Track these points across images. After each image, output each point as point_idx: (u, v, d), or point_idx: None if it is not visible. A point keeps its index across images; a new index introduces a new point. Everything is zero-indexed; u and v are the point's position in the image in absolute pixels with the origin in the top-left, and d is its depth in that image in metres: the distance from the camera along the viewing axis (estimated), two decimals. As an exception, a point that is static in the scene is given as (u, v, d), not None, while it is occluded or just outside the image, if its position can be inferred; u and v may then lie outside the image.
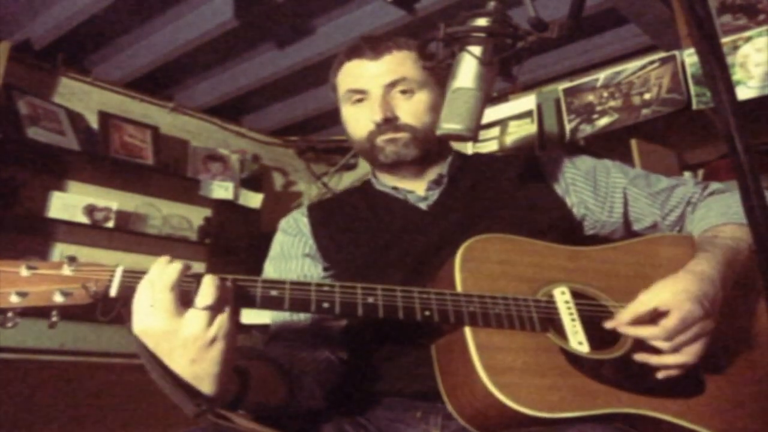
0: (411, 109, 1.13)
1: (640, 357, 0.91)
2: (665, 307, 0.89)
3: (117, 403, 2.45)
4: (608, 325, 0.93)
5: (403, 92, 1.14)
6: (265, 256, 1.21)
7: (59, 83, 3.14)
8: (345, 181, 3.87)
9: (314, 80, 3.28)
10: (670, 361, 0.89)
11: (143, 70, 3.18)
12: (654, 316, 0.90)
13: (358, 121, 1.16)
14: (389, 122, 1.12)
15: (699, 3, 0.66)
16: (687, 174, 2.19)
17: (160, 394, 0.75)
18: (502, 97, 2.51)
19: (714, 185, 1.18)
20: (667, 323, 0.88)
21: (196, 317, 0.75)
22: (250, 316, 2.43)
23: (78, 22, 2.75)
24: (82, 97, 3.20)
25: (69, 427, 2.32)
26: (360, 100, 1.16)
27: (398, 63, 1.14)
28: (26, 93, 2.89)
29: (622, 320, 0.92)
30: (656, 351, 0.90)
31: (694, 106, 1.77)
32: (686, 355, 0.89)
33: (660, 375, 0.90)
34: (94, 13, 2.67)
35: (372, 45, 1.14)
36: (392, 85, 1.13)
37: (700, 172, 2.16)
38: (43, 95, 3.02)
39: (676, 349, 0.89)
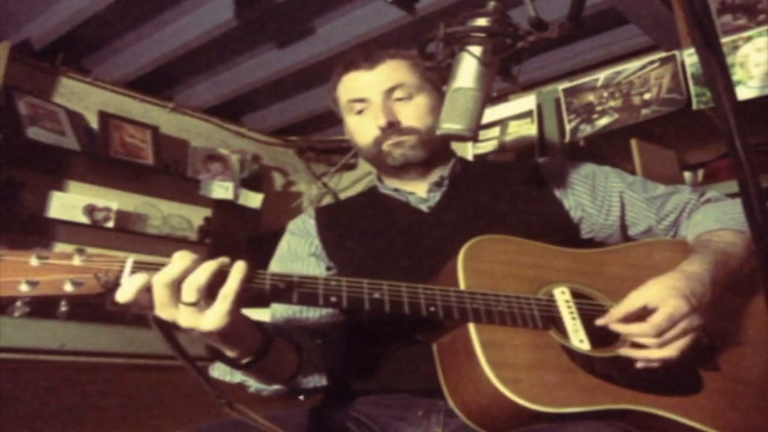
0: (412, 113, 1.17)
1: (624, 352, 0.91)
2: (653, 304, 0.90)
3: (117, 403, 2.44)
4: (599, 321, 0.95)
5: (402, 97, 1.17)
6: (265, 255, 1.23)
7: (59, 83, 3.13)
8: (345, 181, 3.86)
9: (314, 80, 3.27)
10: (655, 355, 0.90)
11: (143, 70, 3.17)
12: (643, 313, 0.91)
13: (364, 129, 1.20)
14: (393, 126, 1.16)
15: (699, 3, 0.66)
16: (687, 174, 2.19)
17: (160, 394, 0.76)
18: (502, 97, 2.51)
19: (710, 193, 1.20)
20: (655, 320, 0.89)
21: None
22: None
23: (78, 22, 2.74)
24: (82, 97, 3.20)
25: (69, 427, 2.31)
26: (361, 110, 1.20)
27: (393, 70, 1.18)
28: (26, 93, 2.88)
29: (613, 317, 0.93)
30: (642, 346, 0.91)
31: (694, 106, 1.77)
32: (671, 350, 0.89)
33: (639, 365, 0.90)
34: (94, 13, 2.67)
35: (366, 56, 1.19)
36: (390, 91, 1.17)
37: (700, 172, 2.16)
38: (43, 95, 3.01)
39: (663, 344, 0.90)
